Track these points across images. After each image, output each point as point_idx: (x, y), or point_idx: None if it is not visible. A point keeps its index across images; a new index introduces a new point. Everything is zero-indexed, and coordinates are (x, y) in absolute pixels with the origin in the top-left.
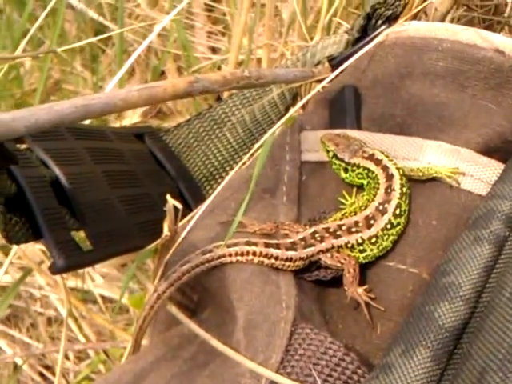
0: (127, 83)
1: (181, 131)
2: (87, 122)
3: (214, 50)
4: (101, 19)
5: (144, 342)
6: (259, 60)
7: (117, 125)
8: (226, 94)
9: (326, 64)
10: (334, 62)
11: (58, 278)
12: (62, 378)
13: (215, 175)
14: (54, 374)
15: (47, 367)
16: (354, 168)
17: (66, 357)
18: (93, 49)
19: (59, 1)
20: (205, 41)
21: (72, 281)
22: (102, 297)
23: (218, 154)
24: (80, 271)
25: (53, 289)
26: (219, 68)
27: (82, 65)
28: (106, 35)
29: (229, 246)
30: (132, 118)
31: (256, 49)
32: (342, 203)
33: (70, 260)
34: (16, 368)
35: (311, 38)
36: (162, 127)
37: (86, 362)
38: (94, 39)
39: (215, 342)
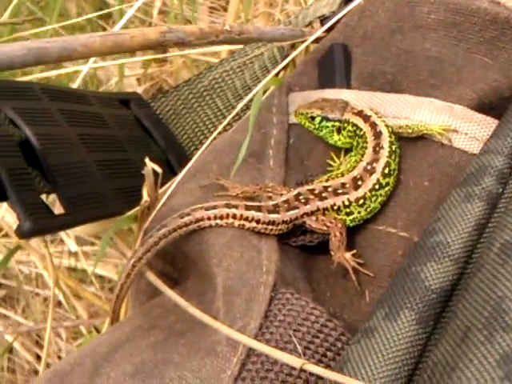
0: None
1: (169, 98)
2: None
3: None
4: None
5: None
6: None
7: None
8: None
9: (318, 24)
10: (326, 21)
11: (45, 251)
12: (56, 358)
13: (204, 142)
14: (48, 354)
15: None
16: (345, 125)
17: (59, 336)
18: (93, 27)
19: None
20: (206, 16)
21: (66, 260)
22: (99, 276)
23: (207, 121)
24: (73, 250)
25: (42, 263)
26: None
27: None
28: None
29: (207, 209)
30: None
31: (253, 18)
32: (330, 165)
33: (39, 223)
34: (12, 349)
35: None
36: None
37: (80, 342)
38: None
39: (192, 309)
